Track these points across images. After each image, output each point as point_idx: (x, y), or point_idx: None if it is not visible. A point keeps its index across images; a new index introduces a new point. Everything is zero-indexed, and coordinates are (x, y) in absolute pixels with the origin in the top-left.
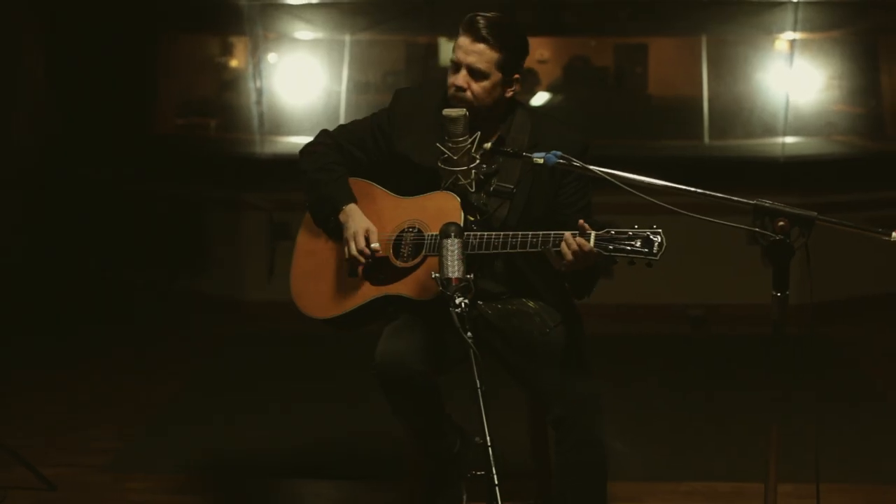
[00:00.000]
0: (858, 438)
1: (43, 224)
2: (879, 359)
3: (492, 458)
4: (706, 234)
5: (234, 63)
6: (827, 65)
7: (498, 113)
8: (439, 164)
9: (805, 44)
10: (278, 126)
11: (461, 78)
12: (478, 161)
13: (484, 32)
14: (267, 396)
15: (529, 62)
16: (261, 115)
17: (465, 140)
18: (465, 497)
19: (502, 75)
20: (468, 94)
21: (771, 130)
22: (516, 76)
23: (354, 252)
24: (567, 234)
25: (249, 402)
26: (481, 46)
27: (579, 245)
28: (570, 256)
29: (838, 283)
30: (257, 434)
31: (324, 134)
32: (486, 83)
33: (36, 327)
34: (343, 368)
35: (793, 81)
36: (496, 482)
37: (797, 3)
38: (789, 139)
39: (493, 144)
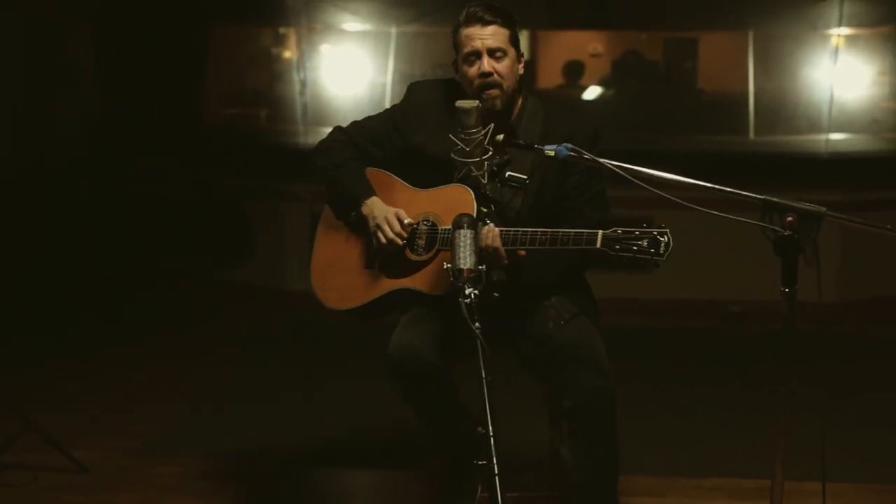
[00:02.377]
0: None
1: (84, 215)
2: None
3: (493, 449)
4: (742, 230)
5: (284, 54)
6: (873, 61)
7: (514, 97)
8: (452, 156)
9: (851, 39)
10: (323, 117)
11: (486, 63)
12: (490, 152)
13: (489, 16)
14: (302, 385)
15: (582, 55)
16: (304, 106)
17: (478, 132)
18: (480, 487)
19: (515, 51)
20: (496, 76)
21: (816, 126)
22: (521, 52)
23: (391, 235)
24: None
25: (283, 390)
26: (492, 27)
27: (492, 241)
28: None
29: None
30: (289, 422)
31: (337, 130)
32: (507, 61)
33: (75, 314)
34: (378, 358)
35: (838, 77)
36: (496, 472)
37: None
38: (833, 136)
39: (505, 136)
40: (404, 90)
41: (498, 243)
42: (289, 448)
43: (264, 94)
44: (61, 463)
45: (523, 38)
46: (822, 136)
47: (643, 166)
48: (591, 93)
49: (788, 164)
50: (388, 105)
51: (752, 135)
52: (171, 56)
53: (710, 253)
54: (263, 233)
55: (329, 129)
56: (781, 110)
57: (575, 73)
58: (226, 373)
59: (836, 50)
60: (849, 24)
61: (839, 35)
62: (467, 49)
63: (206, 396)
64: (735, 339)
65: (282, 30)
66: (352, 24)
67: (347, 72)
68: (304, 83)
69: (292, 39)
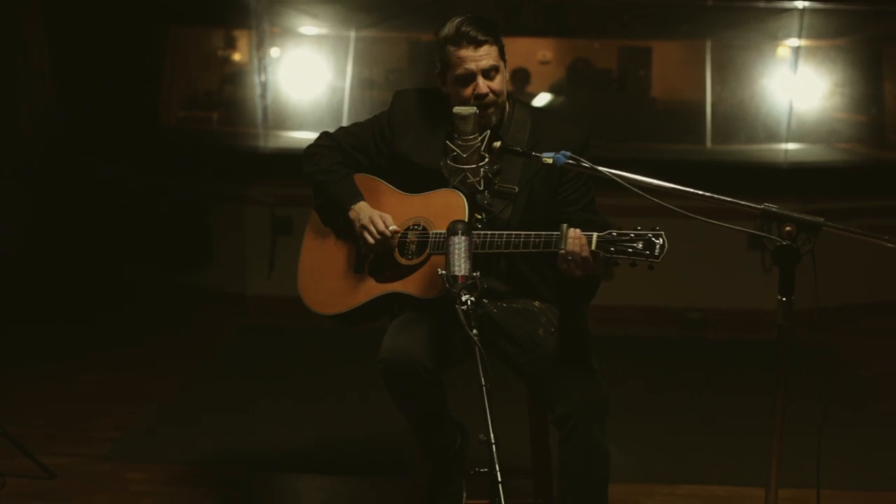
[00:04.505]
0: (857, 445)
1: (44, 218)
2: (877, 366)
3: (495, 456)
4: (706, 239)
5: (237, 57)
6: (831, 72)
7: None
8: (448, 162)
9: (809, 51)
10: (282, 120)
11: (482, 85)
12: (487, 159)
13: (480, 35)
14: (267, 391)
15: (531, 62)
16: (265, 110)
17: (475, 138)
18: (465, 494)
19: (504, 64)
20: (491, 95)
21: (774, 136)
22: (506, 60)
23: (377, 235)
24: (573, 229)
25: (250, 395)
26: (485, 47)
27: (581, 246)
28: (568, 255)
29: (838, 290)
30: (258, 427)
31: (325, 136)
32: (500, 77)
33: (38, 319)
34: (344, 363)
35: (796, 88)
36: (500, 479)
37: (802, 9)
38: (792, 145)
39: (502, 142)
40: (363, 94)
41: (586, 251)
42: (264, 454)
43: (218, 96)
44: (29, 469)
45: None
46: (781, 146)
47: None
48: (541, 100)
49: (746, 173)
50: (346, 109)
51: (708, 144)
52: (129, 58)
53: (678, 260)
54: (223, 237)
55: (288, 133)
56: (739, 120)
57: (521, 80)
58: (195, 378)
59: (795, 61)
60: (807, 36)
61: (798, 46)
62: (460, 71)
63: (175, 401)
64: (706, 346)
65: (238, 32)
66: (311, 27)
67: (306, 76)
68: (264, 86)
69: (250, 42)
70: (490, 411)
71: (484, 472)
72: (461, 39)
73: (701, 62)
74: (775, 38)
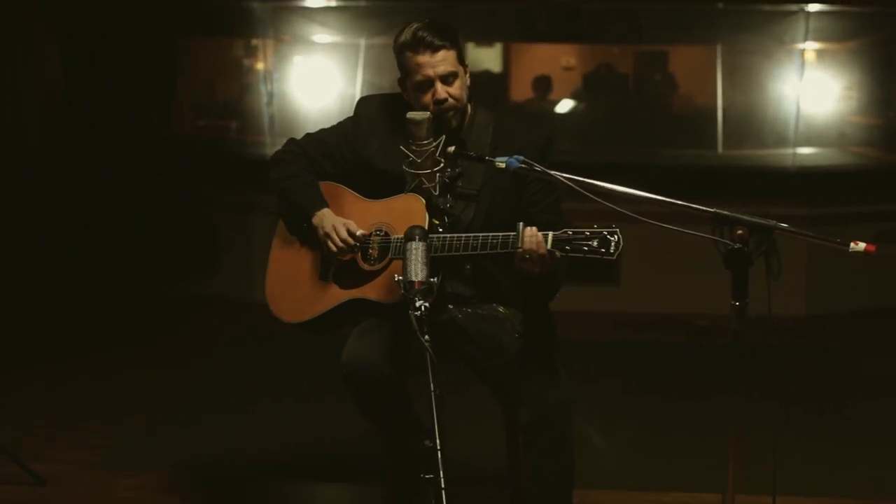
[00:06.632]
0: (834, 451)
1: (44, 218)
2: (856, 370)
3: (440, 462)
4: (705, 243)
5: (256, 65)
6: (841, 75)
7: (464, 109)
8: (404, 168)
9: (818, 54)
10: (291, 128)
11: (440, 91)
12: (442, 164)
13: (437, 41)
14: (264, 397)
15: (555, 68)
16: (271, 117)
17: (430, 143)
18: (434, 501)
19: (463, 67)
20: (450, 101)
21: (783, 141)
22: (467, 63)
23: (339, 243)
24: (529, 228)
25: (245, 402)
26: (442, 53)
27: (538, 244)
28: (526, 253)
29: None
30: (252, 434)
31: (291, 142)
32: (458, 81)
33: (38, 319)
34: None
35: (804, 91)
36: (443, 486)
37: (809, 13)
38: (800, 150)
39: (456, 148)
40: None
41: (543, 249)
42: (251, 460)
43: (235, 105)
44: (18, 476)
45: (497, 51)
46: (790, 151)
47: (611, 180)
48: (564, 106)
49: (756, 178)
50: None
51: (720, 149)
52: (140, 66)
53: (674, 266)
54: (230, 244)
55: None
56: (749, 124)
57: (544, 88)
58: (189, 384)
59: (803, 64)
60: (815, 39)
61: (806, 49)
62: (418, 77)
63: (169, 408)
64: (698, 353)
65: (255, 41)
66: (321, 35)
67: (316, 83)
68: (271, 94)
69: (261, 51)
70: (438, 418)
71: (430, 477)
72: (418, 45)
73: (712, 67)
74: (783, 41)
